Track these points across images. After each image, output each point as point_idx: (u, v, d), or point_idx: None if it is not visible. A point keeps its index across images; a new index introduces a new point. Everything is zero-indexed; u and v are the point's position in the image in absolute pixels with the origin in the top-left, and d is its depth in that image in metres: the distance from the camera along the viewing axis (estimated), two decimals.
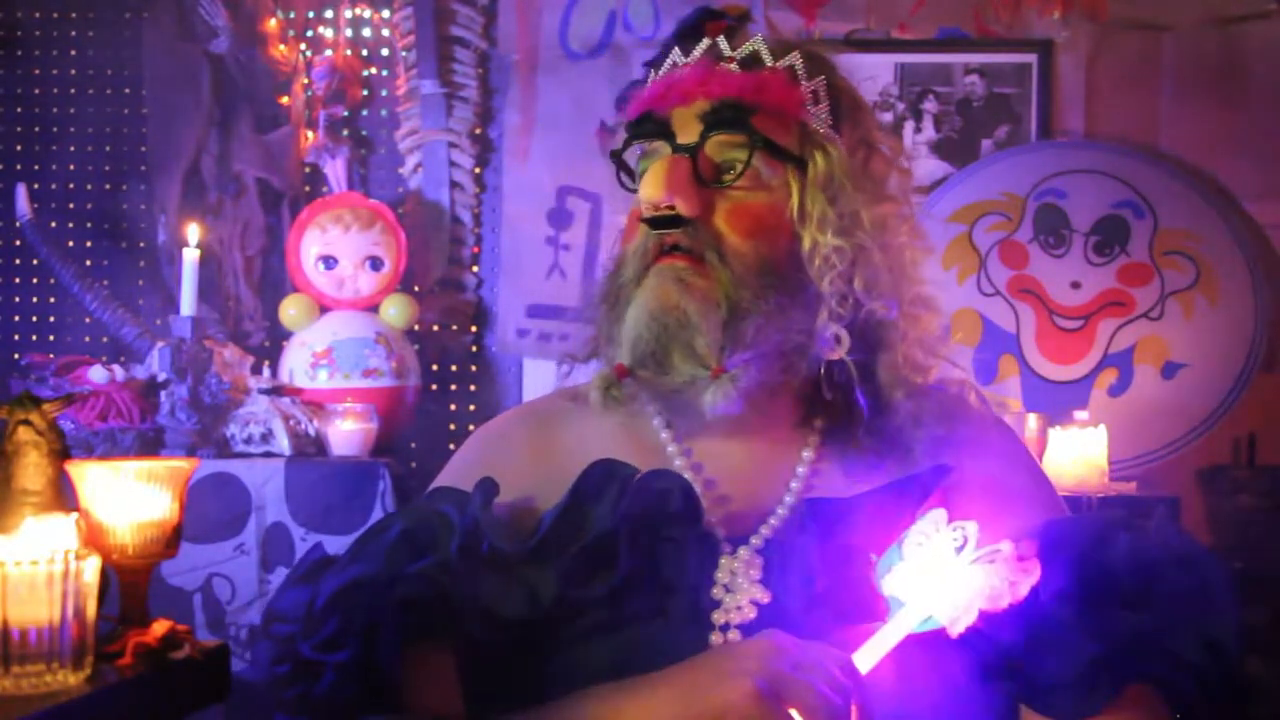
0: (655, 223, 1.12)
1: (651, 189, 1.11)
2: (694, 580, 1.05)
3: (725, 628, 1.04)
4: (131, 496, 1.07)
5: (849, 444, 1.14)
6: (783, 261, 1.11)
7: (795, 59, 1.15)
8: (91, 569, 0.96)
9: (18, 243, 3.04)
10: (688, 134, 1.14)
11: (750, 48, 1.15)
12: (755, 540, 1.08)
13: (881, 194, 1.16)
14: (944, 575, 0.99)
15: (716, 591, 1.05)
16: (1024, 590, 0.98)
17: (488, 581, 1.05)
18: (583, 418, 1.18)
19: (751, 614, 1.04)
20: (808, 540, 1.05)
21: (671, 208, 1.10)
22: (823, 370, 1.13)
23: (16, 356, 2.88)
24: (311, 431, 2.64)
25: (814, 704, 0.92)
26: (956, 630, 0.98)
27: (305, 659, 1.03)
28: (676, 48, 1.17)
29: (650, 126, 1.16)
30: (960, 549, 1.00)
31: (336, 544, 1.16)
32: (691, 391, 1.10)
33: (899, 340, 1.14)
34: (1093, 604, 1.00)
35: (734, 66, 1.14)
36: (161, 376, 2.59)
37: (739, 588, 1.05)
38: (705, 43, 1.16)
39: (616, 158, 1.21)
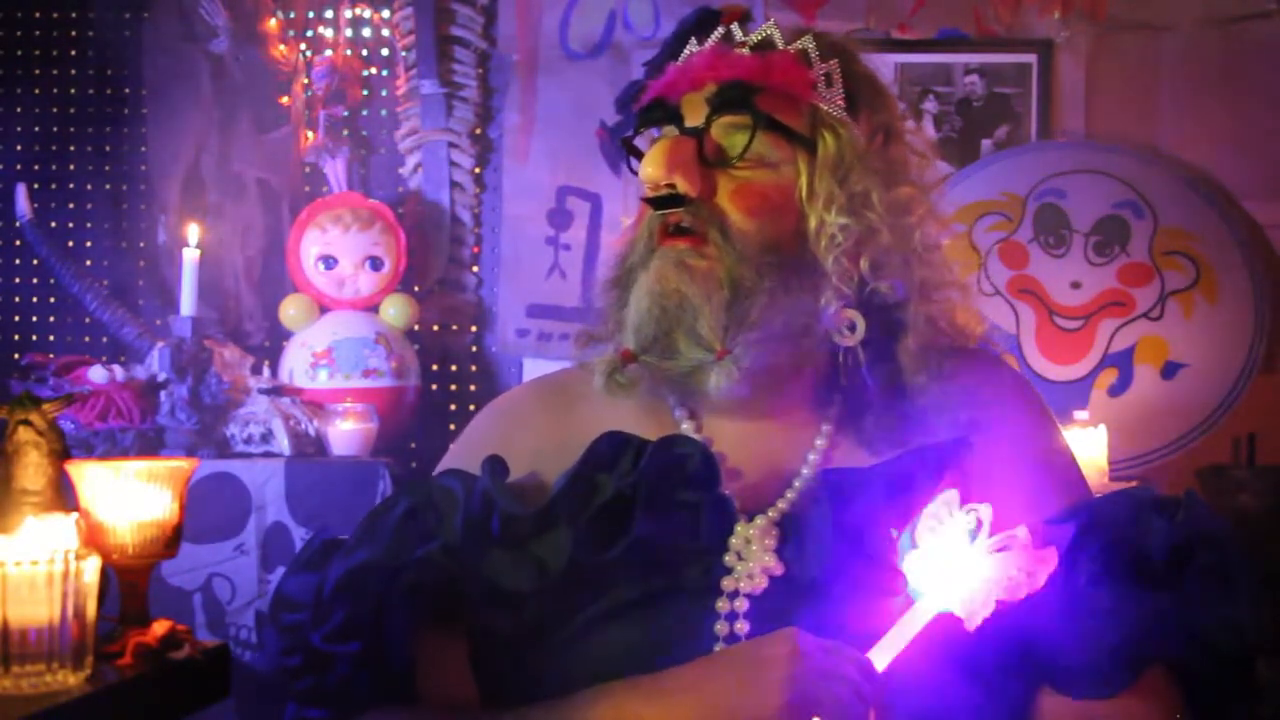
0: (657, 202, 1.10)
1: (651, 168, 1.09)
2: (707, 545, 1.05)
3: (734, 595, 1.03)
4: (131, 496, 1.07)
5: (868, 427, 1.12)
6: (789, 241, 1.09)
7: (808, 42, 1.13)
8: (91, 569, 0.96)
9: (18, 243, 3.04)
10: (695, 117, 1.12)
11: (763, 33, 1.14)
12: (772, 513, 1.07)
13: (898, 178, 1.14)
14: (959, 566, 0.98)
15: (729, 558, 1.05)
16: (1041, 579, 0.97)
17: (495, 557, 1.05)
18: (598, 392, 1.17)
19: (763, 584, 1.03)
20: (824, 513, 1.04)
21: (671, 186, 1.09)
22: (841, 357, 1.11)
23: (16, 356, 2.87)
24: (311, 431, 2.64)
25: (838, 715, 0.92)
26: (974, 623, 0.97)
27: (316, 649, 1.03)
28: (693, 37, 1.16)
29: (659, 113, 1.15)
30: (974, 534, 1.00)
31: None
32: (699, 376, 1.09)
33: (917, 324, 1.11)
34: (1126, 586, 1.01)
35: (745, 51, 1.13)
36: (161, 376, 2.59)
37: (752, 556, 1.04)
38: (720, 30, 1.15)
39: (627, 144, 1.19)
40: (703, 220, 1.09)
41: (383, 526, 1.10)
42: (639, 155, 1.18)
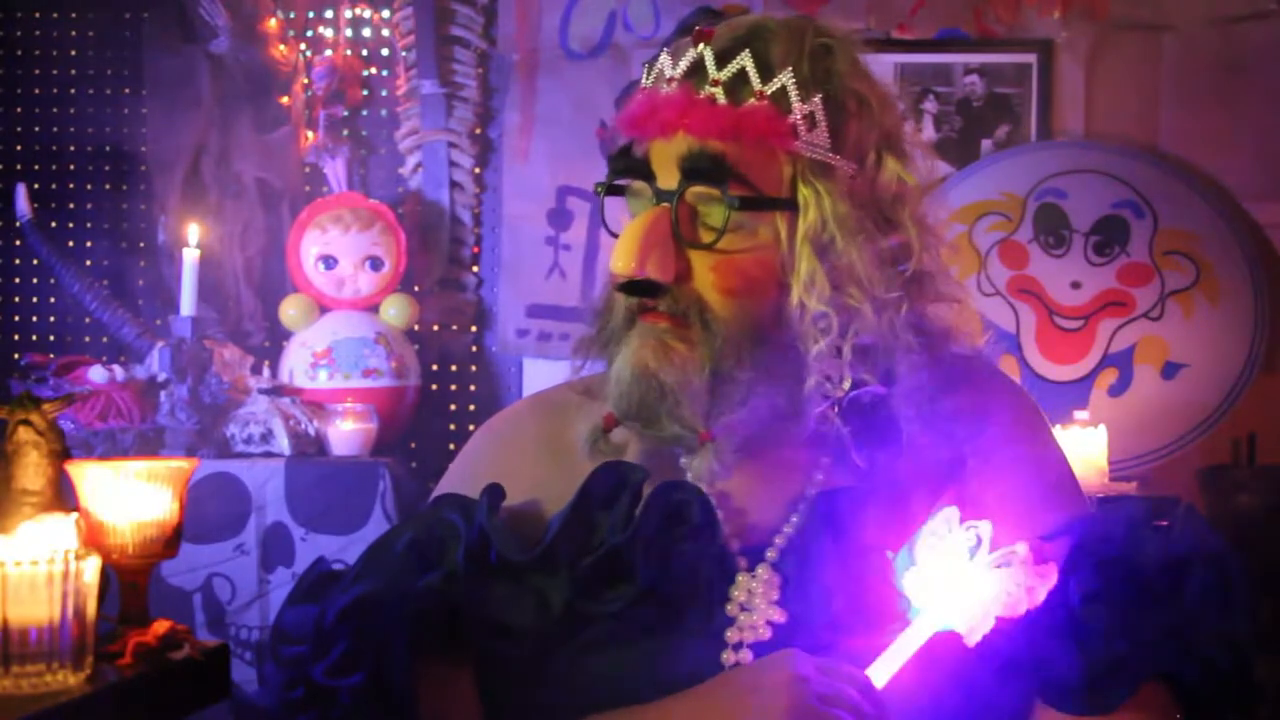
0: (630, 289, 1.05)
1: (622, 261, 1.03)
2: (708, 597, 1.04)
3: (738, 646, 1.03)
4: (131, 496, 1.06)
5: (865, 458, 1.09)
6: (770, 319, 1.05)
7: (787, 77, 1.04)
8: (91, 569, 0.96)
9: (18, 243, 3.05)
10: (667, 177, 1.06)
11: (737, 66, 1.04)
12: (771, 554, 1.06)
13: (888, 223, 1.08)
14: (959, 582, 0.98)
15: (731, 609, 1.04)
16: (1041, 596, 0.97)
17: (496, 590, 1.04)
18: (594, 412, 1.13)
19: (766, 634, 1.03)
20: (822, 548, 1.03)
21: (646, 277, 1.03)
22: (827, 404, 1.06)
23: (16, 356, 2.88)
24: (311, 431, 2.64)
25: None
26: (973, 640, 0.97)
27: (318, 684, 1.02)
28: (667, 56, 1.09)
29: (630, 164, 1.09)
30: (974, 551, 1.00)
31: (336, 544, 1.16)
32: (683, 444, 1.07)
33: (905, 378, 1.07)
34: (1122, 603, 1.00)
35: (719, 91, 1.03)
36: (161, 376, 2.59)
37: (755, 607, 1.04)
38: (691, 55, 1.06)
39: (602, 190, 1.13)
40: (681, 304, 1.04)
41: (384, 560, 1.09)
42: (620, 191, 1.13)
